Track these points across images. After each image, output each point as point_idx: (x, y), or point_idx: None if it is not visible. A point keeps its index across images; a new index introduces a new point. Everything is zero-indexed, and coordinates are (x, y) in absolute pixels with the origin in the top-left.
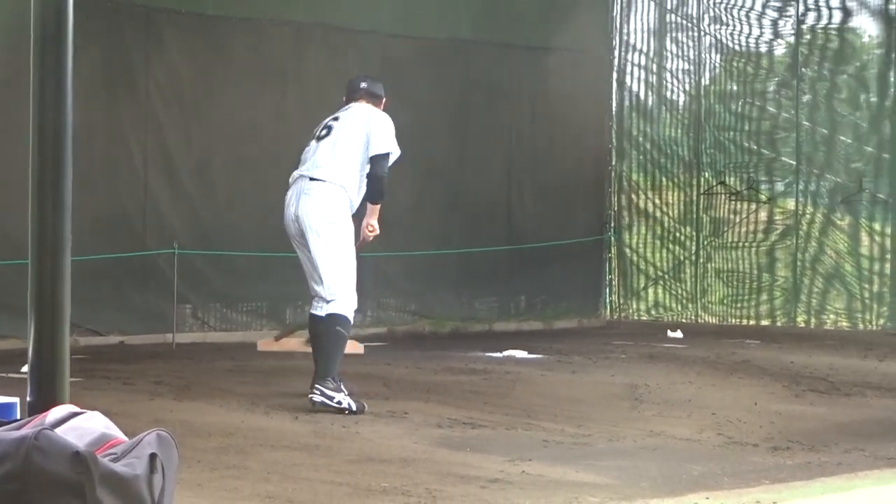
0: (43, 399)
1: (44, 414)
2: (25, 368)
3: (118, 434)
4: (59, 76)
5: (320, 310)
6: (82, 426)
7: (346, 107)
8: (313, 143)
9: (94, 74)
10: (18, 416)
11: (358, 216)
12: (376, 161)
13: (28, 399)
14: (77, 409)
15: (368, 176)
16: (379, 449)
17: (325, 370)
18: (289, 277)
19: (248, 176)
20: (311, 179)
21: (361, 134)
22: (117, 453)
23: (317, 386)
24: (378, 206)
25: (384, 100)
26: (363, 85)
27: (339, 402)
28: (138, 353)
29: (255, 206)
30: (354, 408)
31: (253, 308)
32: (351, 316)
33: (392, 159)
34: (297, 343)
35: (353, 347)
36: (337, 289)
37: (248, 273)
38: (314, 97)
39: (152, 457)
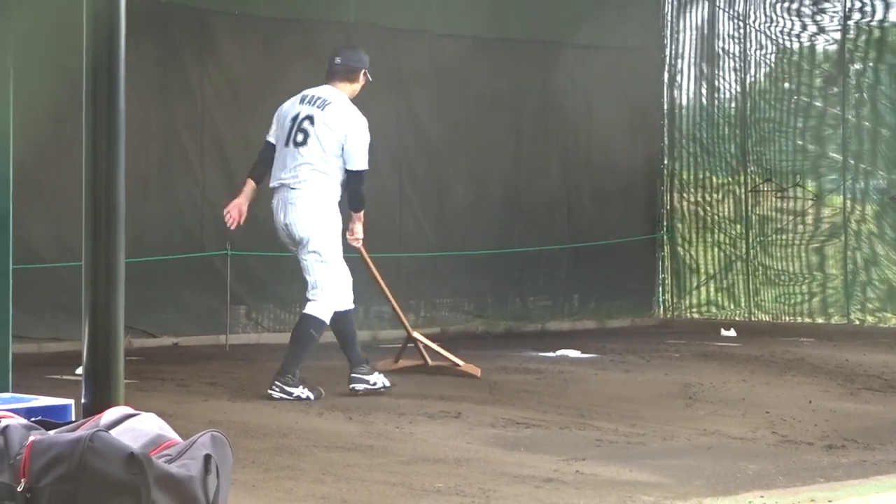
0: (97, 401)
1: (98, 416)
2: (80, 370)
3: (173, 435)
4: (111, 79)
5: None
6: (137, 428)
7: (318, 94)
8: (291, 147)
9: (148, 76)
10: (73, 418)
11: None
12: (354, 176)
13: (83, 401)
14: (131, 411)
15: (347, 190)
16: (433, 449)
17: (286, 368)
18: None
19: None
20: (293, 188)
21: (337, 146)
22: (172, 454)
23: (277, 383)
24: (361, 214)
25: (363, 71)
26: (338, 61)
27: (298, 396)
28: (192, 354)
29: None
30: (312, 397)
31: None
32: (328, 318)
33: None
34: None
35: (471, 369)
36: (321, 291)
37: (299, 275)
38: (366, 97)
39: (207, 458)
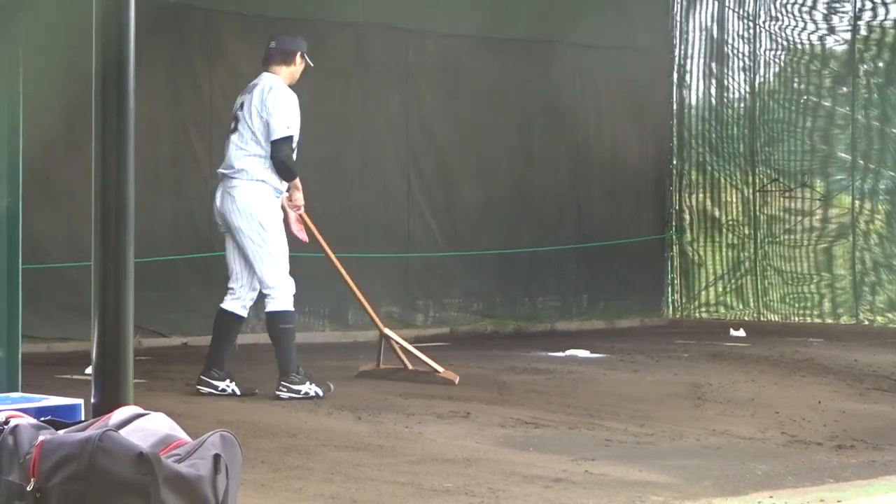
0: (107, 400)
1: (108, 415)
2: (89, 370)
3: (182, 435)
4: (121, 79)
5: (233, 305)
6: (146, 427)
7: (255, 82)
8: (228, 137)
9: (157, 76)
10: (83, 418)
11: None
12: (275, 146)
13: (92, 400)
14: (141, 411)
15: (273, 162)
16: (442, 449)
17: (286, 367)
18: (351, 279)
19: (311, 176)
20: (231, 178)
21: (262, 123)
22: (181, 454)
23: (283, 384)
24: (296, 181)
25: (299, 53)
26: (272, 45)
27: (307, 393)
28: (201, 354)
29: (318, 206)
30: (321, 392)
31: (315, 310)
32: (291, 306)
33: (295, 137)
34: (387, 368)
35: (449, 376)
36: (273, 283)
37: (312, 274)
38: (375, 97)
39: (216, 458)
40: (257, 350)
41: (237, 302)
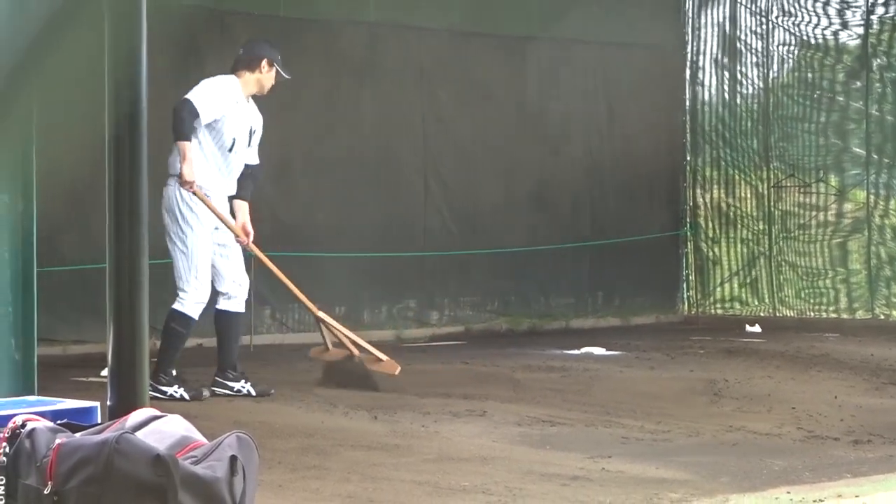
0: (123, 403)
1: (124, 418)
2: (105, 372)
3: (198, 437)
4: (133, 81)
5: (223, 304)
6: (162, 429)
7: None
8: None
9: (169, 77)
10: (99, 420)
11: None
12: (179, 102)
13: (108, 403)
14: (157, 413)
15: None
16: (458, 448)
17: (158, 366)
18: (367, 278)
19: (326, 176)
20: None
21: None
22: (198, 456)
23: (150, 383)
24: (182, 145)
25: (265, 59)
26: (240, 52)
27: (172, 395)
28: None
29: (332, 206)
30: (188, 396)
31: (330, 310)
32: (194, 314)
33: (202, 112)
34: (337, 352)
35: (389, 367)
36: (183, 284)
37: (326, 275)
38: (390, 95)
39: (233, 459)
40: (270, 351)
41: (225, 301)
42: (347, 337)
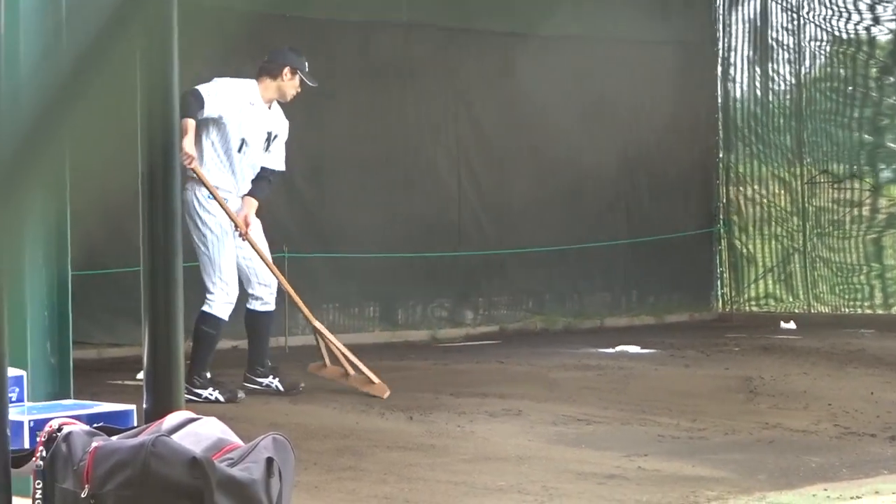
0: (159, 406)
1: (160, 420)
2: (141, 375)
3: (234, 439)
4: (166, 86)
5: (252, 304)
6: (199, 432)
7: None
8: None
9: (201, 79)
10: (135, 424)
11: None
12: (188, 89)
13: (144, 406)
14: (193, 415)
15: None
16: (494, 447)
17: (190, 370)
18: (401, 278)
19: (360, 177)
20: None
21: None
22: (234, 458)
23: (185, 385)
24: (184, 121)
25: (287, 67)
26: (265, 58)
27: (207, 398)
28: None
29: (368, 208)
30: (223, 398)
31: (363, 310)
32: (223, 314)
33: (207, 102)
34: (334, 371)
35: (379, 391)
36: (210, 286)
37: (361, 275)
38: (423, 95)
39: (269, 461)
40: (305, 353)
41: (254, 301)
42: (343, 354)
